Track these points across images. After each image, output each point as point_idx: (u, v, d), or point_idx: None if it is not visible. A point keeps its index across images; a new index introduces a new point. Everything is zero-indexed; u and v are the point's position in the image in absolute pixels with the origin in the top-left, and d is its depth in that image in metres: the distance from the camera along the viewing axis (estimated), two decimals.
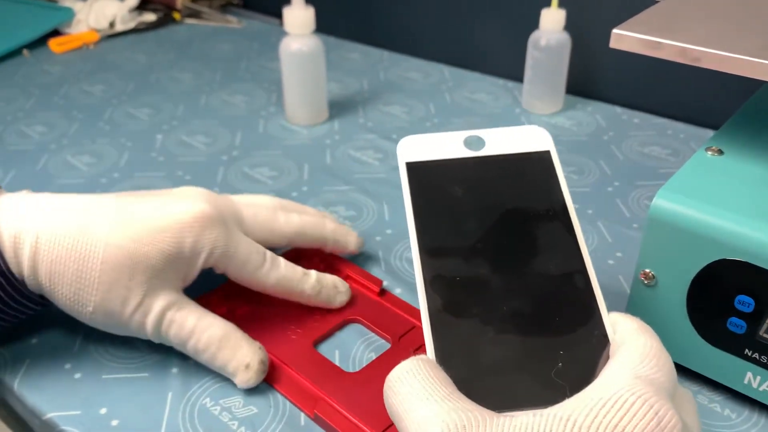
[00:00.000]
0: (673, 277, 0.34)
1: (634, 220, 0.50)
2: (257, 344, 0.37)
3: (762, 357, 0.33)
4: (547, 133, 0.33)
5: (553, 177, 0.32)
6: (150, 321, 0.35)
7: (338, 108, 0.67)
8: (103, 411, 0.35)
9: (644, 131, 0.62)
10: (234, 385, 0.36)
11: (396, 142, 0.61)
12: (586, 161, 0.58)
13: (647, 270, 0.35)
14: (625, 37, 0.36)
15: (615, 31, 0.35)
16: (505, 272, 0.29)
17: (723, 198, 0.33)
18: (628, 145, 0.60)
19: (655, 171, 0.56)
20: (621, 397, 0.24)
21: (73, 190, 0.54)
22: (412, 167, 0.32)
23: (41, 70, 0.77)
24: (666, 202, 0.34)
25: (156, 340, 0.36)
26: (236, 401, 0.36)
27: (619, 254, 0.47)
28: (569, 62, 0.63)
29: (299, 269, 0.39)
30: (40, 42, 0.83)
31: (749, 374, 0.34)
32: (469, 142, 0.33)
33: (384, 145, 0.61)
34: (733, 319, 0.33)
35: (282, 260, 0.39)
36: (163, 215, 0.36)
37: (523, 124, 0.64)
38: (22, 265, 0.34)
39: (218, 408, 0.35)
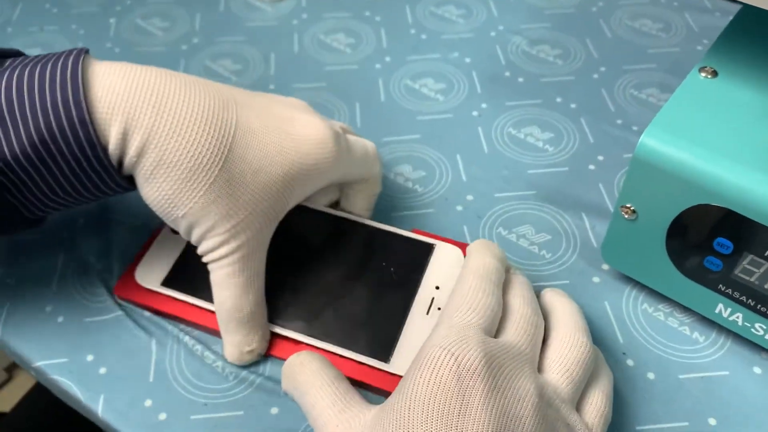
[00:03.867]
0: (654, 215, 0.34)
1: (618, 115, 0.48)
2: (268, 333, 0.36)
3: (735, 293, 0.34)
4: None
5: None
6: (220, 252, 0.33)
7: None
8: (90, 358, 0.36)
9: None
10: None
11: (370, 19, 0.57)
12: (572, 41, 0.54)
13: (629, 205, 0.35)
14: None
15: None
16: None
17: (711, 137, 0.32)
18: (618, 17, 0.56)
19: (645, 51, 0.53)
20: (430, 354, 0.28)
21: None
22: (424, 245, 0.39)
23: None
24: (653, 142, 0.32)
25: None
26: (220, 344, 0.36)
27: (600, 157, 0.45)
28: None
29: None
30: None
31: (720, 305, 0.35)
32: (435, 299, 0.37)
33: (356, 25, 0.56)
34: (711, 258, 0.33)
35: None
36: (306, 137, 0.34)
37: None
38: (126, 154, 0.31)
39: (205, 351, 0.36)
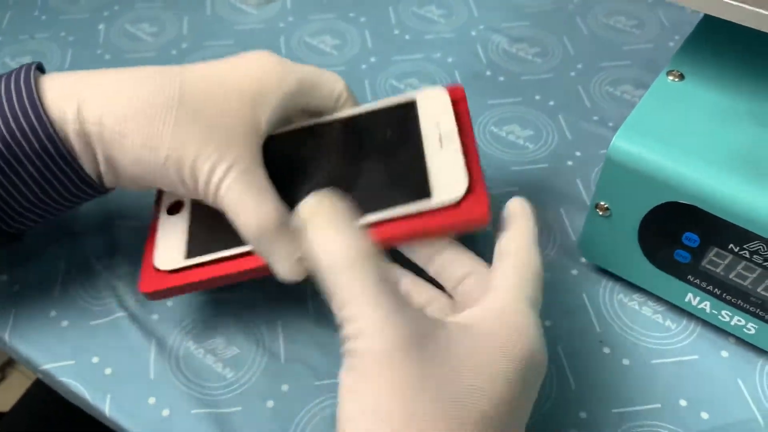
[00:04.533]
0: (627, 212, 0.36)
1: (595, 112, 0.50)
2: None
3: (702, 283, 0.36)
4: (456, 197, 0.33)
5: (405, 199, 0.34)
6: (218, 174, 0.33)
7: None
8: (96, 360, 0.38)
9: None
10: (214, 326, 0.39)
11: (355, 20, 0.58)
12: (550, 39, 0.56)
13: (602, 203, 0.37)
14: None
15: None
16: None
17: (678, 138, 0.34)
18: (594, 14, 0.58)
19: (620, 48, 0.55)
20: (509, 315, 0.28)
21: None
22: (405, 104, 0.38)
23: None
24: (624, 144, 0.34)
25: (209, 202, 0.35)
26: (218, 343, 0.38)
27: (578, 153, 0.48)
28: None
29: None
30: None
31: (690, 295, 0.37)
32: (441, 132, 0.36)
33: (341, 27, 0.58)
34: (680, 251, 0.35)
35: None
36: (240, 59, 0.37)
37: None
38: (87, 128, 0.33)
39: (202, 351, 0.38)
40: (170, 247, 0.37)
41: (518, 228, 0.32)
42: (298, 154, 0.38)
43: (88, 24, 0.59)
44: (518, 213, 0.33)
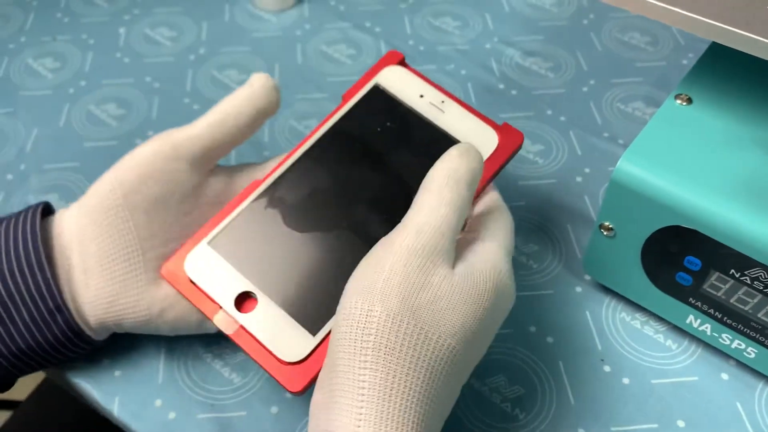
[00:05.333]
0: (631, 233, 0.36)
1: (605, 128, 0.50)
2: None
3: (703, 306, 0.36)
4: (495, 139, 0.36)
5: None
6: None
7: None
8: (107, 361, 0.39)
9: (625, 11, 0.60)
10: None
11: (370, 30, 0.59)
12: (563, 54, 0.56)
13: (607, 223, 0.37)
14: None
15: None
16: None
17: (683, 163, 0.34)
18: (608, 30, 0.58)
19: (632, 65, 0.55)
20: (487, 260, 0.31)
21: (40, 103, 0.53)
22: (373, 91, 0.38)
23: None
24: (629, 166, 0.35)
25: None
26: (226, 348, 0.39)
27: (587, 170, 0.48)
28: None
29: None
30: None
31: (691, 316, 0.37)
32: (433, 102, 0.37)
33: (357, 36, 0.59)
34: (682, 274, 0.36)
35: None
36: None
37: (501, 2, 0.61)
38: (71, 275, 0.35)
39: (210, 356, 0.39)
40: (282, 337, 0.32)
41: (490, 195, 0.36)
42: (323, 181, 0.36)
43: (108, 27, 0.60)
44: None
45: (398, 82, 0.38)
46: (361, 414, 0.26)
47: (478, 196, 0.35)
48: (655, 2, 0.33)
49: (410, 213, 0.31)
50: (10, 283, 0.33)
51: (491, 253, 0.32)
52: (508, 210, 0.35)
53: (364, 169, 0.36)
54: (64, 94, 0.54)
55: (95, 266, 0.35)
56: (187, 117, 0.51)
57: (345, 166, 0.36)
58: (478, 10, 0.61)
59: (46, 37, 0.59)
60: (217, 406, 0.37)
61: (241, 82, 0.55)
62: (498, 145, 0.36)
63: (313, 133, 0.37)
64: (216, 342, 0.40)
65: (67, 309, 0.34)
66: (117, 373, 0.38)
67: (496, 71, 0.55)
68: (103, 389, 0.38)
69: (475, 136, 0.36)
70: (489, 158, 0.36)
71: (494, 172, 0.36)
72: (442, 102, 0.37)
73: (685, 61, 0.55)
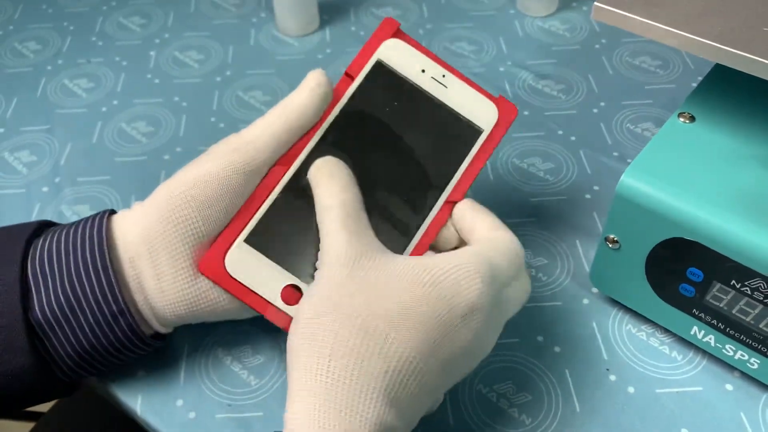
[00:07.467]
0: (635, 245, 0.38)
1: (615, 148, 0.52)
2: None
3: (707, 317, 0.37)
4: (496, 112, 0.39)
5: (466, 148, 0.39)
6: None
7: (329, 12, 0.66)
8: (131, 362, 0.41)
9: (637, 36, 0.61)
10: (244, 335, 0.41)
11: None
12: (575, 77, 0.58)
13: (612, 236, 0.38)
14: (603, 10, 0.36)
15: (596, 4, 0.36)
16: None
17: (685, 178, 0.36)
18: (619, 54, 0.60)
19: (642, 88, 0.57)
20: (459, 265, 0.32)
21: (75, 121, 0.56)
22: (377, 68, 0.39)
23: None
24: (633, 181, 0.36)
25: None
26: (245, 351, 0.41)
27: (596, 188, 0.49)
28: None
29: None
30: None
31: (695, 328, 0.38)
32: (434, 76, 0.39)
33: None
34: (685, 285, 0.37)
35: None
36: None
37: (515, 28, 0.63)
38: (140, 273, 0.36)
39: (230, 358, 0.41)
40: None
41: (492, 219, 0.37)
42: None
43: (140, 50, 0.63)
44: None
45: (400, 58, 0.39)
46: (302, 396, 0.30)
47: (483, 164, 0.39)
48: (659, 25, 0.35)
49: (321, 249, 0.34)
50: (77, 286, 0.35)
51: (467, 260, 0.33)
52: (512, 240, 0.35)
53: (380, 152, 0.38)
54: (98, 113, 0.57)
55: (168, 269, 0.35)
56: (213, 135, 0.53)
57: (362, 149, 0.38)
58: (493, 35, 0.63)
59: (82, 60, 0.62)
60: (235, 406, 0.39)
61: (265, 103, 0.57)
62: (498, 118, 0.39)
63: (326, 115, 0.38)
64: (235, 345, 0.41)
65: (129, 313, 0.35)
66: (140, 373, 0.40)
67: (509, 93, 0.57)
68: (127, 388, 0.40)
69: (478, 112, 0.39)
70: (491, 132, 0.39)
71: (496, 144, 0.39)
72: (443, 76, 0.39)
73: (694, 84, 0.56)
